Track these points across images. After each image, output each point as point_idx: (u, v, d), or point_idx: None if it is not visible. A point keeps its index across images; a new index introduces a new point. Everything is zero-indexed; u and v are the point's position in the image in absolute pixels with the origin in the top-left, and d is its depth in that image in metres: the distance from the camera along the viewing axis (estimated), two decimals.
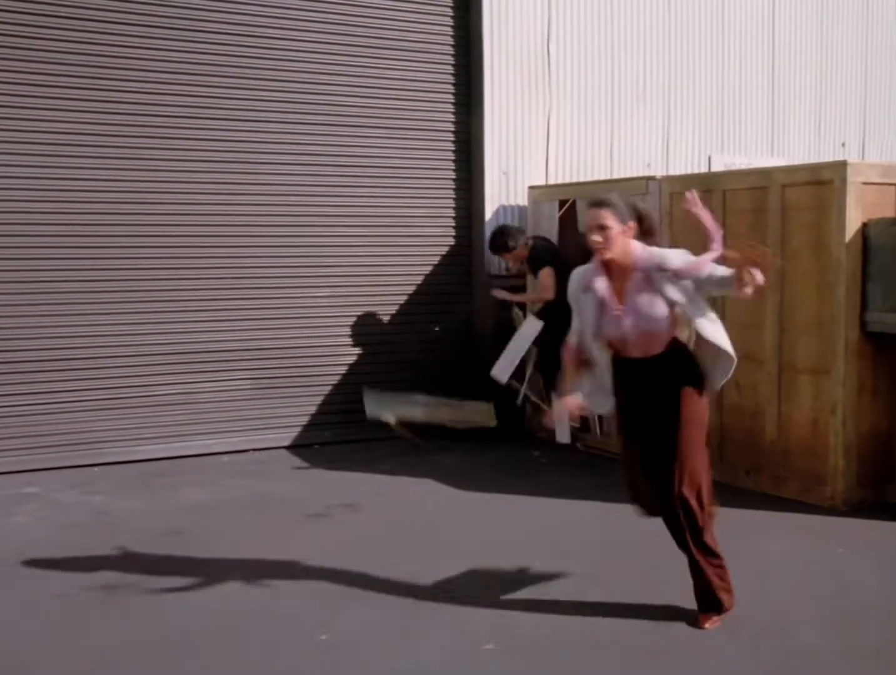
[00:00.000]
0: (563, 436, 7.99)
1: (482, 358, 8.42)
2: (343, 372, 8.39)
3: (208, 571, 5.06)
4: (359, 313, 8.42)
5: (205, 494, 6.72)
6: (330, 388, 8.34)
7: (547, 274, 7.74)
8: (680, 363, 4.32)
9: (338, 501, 6.47)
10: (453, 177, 8.78)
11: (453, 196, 8.80)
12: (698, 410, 4.31)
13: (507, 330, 8.25)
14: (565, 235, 8.30)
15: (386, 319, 8.55)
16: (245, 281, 7.96)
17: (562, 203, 8.32)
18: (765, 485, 6.59)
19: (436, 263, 8.73)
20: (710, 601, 4.33)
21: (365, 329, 8.45)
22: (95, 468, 7.38)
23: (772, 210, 6.47)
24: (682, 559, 5.21)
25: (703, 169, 9.70)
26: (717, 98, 9.83)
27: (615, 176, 9.05)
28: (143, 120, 7.54)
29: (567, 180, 8.92)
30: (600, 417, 7.90)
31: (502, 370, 7.97)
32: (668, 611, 4.47)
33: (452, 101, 8.72)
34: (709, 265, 4.11)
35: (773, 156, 10.05)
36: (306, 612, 4.50)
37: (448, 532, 5.83)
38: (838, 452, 6.18)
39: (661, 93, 9.53)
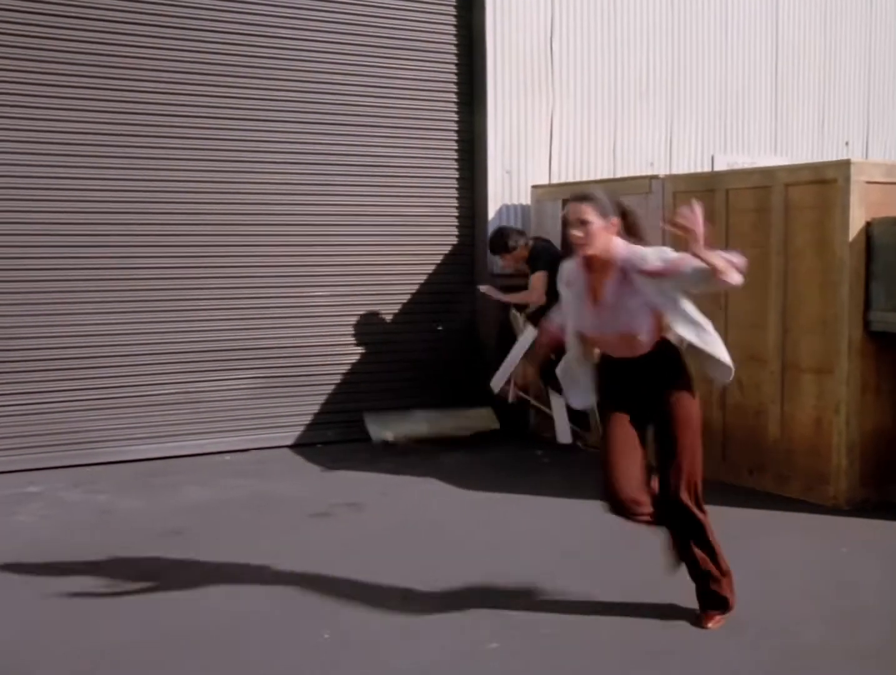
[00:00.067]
0: (563, 436, 7.98)
1: (484, 358, 8.42)
2: (345, 371, 8.39)
3: (210, 570, 5.06)
4: (361, 312, 8.42)
5: (207, 493, 6.72)
6: (332, 387, 8.34)
7: (539, 277, 7.73)
8: (667, 364, 4.22)
9: (341, 500, 6.47)
10: (456, 176, 8.77)
11: (456, 195, 8.79)
12: (690, 411, 4.25)
13: (509, 335, 8.25)
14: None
15: (388, 318, 8.54)
16: (247, 280, 7.96)
17: (565, 202, 8.28)
18: (768, 484, 6.58)
19: (438, 262, 8.72)
20: (713, 600, 4.32)
21: (367, 328, 8.45)
22: (98, 467, 7.38)
23: (775, 209, 6.46)
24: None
25: (707, 168, 9.69)
26: (721, 97, 9.82)
27: (618, 175, 9.04)
28: (146, 119, 7.54)
29: (570, 179, 8.91)
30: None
31: (497, 382, 8.00)
32: (669, 611, 4.46)
33: (455, 99, 8.71)
34: (688, 262, 4.00)
35: (777, 155, 10.04)
36: (308, 611, 4.50)
37: (451, 532, 5.82)
38: (841, 451, 6.17)
39: (665, 91, 9.51)
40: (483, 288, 8.19)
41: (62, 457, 7.35)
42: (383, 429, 7.59)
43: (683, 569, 4.41)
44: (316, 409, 8.29)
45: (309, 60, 8.07)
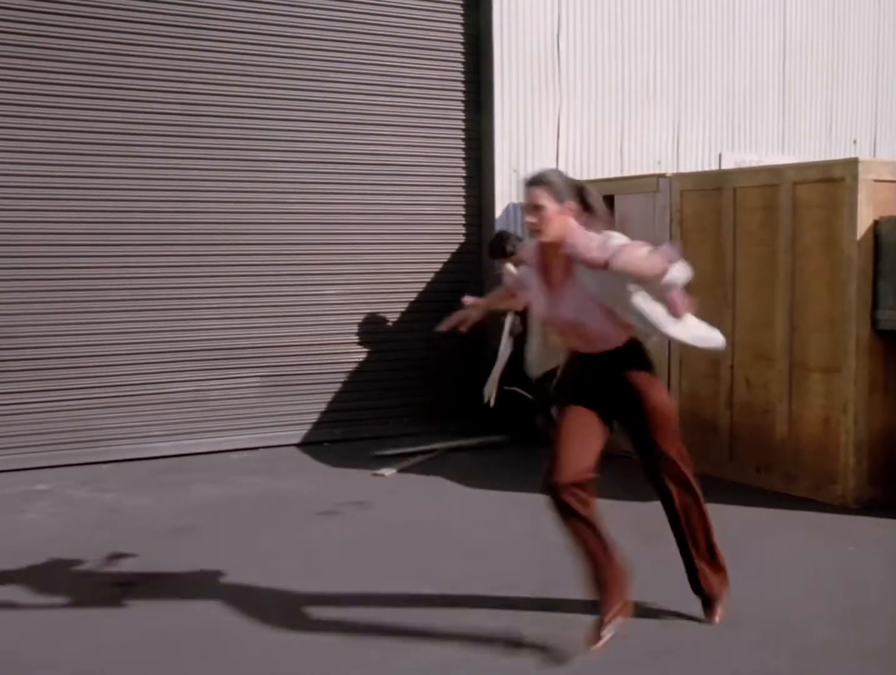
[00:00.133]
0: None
1: (488, 357, 8.42)
2: (352, 370, 8.40)
3: (218, 568, 5.06)
4: (369, 311, 8.43)
5: (215, 491, 6.74)
6: (340, 386, 8.35)
7: None
8: (629, 361, 4.04)
9: (347, 498, 6.48)
10: (463, 174, 8.78)
11: (463, 194, 8.80)
12: (662, 398, 4.09)
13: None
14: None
15: (395, 316, 8.55)
16: (256, 279, 7.97)
17: None
18: (775, 483, 6.58)
19: (445, 260, 8.73)
20: (712, 591, 4.28)
21: (374, 327, 8.46)
22: (106, 465, 7.41)
23: (783, 208, 6.45)
24: None
25: (714, 166, 9.67)
26: (728, 95, 9.80)
27: (626, 174, 9.04)
28: (157, 118, 7.56)
29: (577, 178, 8.88)
30: None
31: (488, 391, 7.99)
32: (675, 610, 4.45)
33: (462, 98, 8.71)
34: (625, 254, 3.72)
35: (784, 153, 10.02)
36: (313, 610, 4.51)
37: (457, 531, 5.82)
38: (849, 450, 6.16)
39: (672, 89, 9.50)
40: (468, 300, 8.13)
41: (71, 455, 7.37)
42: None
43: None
44: (324, 407, 8.30)
45: (316, 59, 8.08)
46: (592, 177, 8.90)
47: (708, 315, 7.01)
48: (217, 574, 4.97)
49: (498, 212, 8.65)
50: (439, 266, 8.70)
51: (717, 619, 4.25)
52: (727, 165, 9.64)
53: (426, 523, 5.96)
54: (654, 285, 3.83)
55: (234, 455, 7.81)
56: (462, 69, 8.70)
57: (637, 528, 5.31)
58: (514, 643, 4.10)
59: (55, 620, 4.43)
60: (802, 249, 6.37)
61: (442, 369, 8.65)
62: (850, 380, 6.13)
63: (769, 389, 6.62)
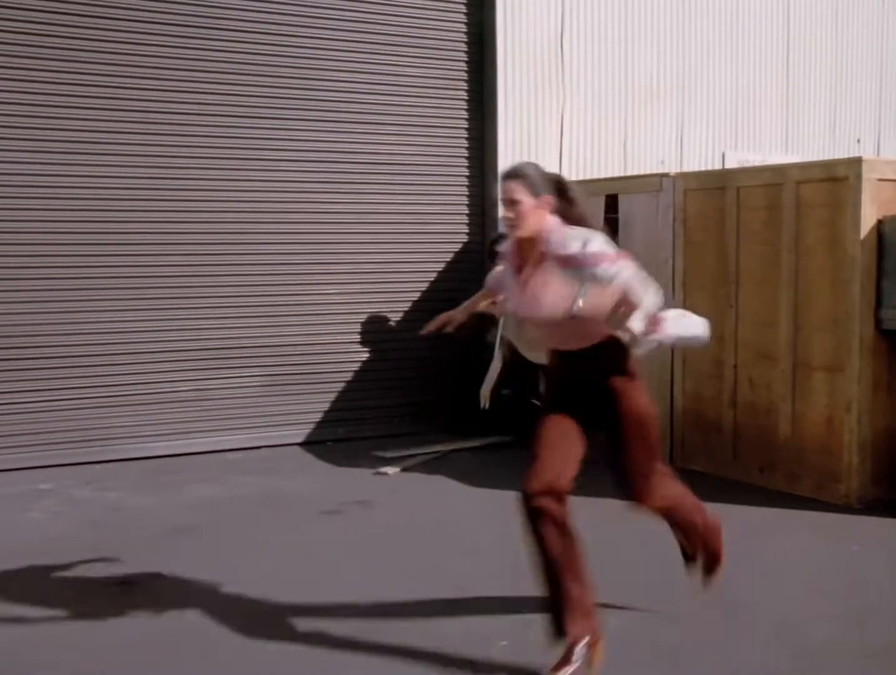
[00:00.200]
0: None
1: (490, 358, 8.42)
2: (355, 369, 8.39)
3: (220, 568, 5.06)
4: (371, 311, 8.42)
5: (217, 490, 6.74)
6: (342, 385, 8.34)
7: None
8: (608, 361, 3.83)
9: (350, 498, 6.47)
10: (466, 174, 8.77)
11: (466, 193, 8.79)
12: (639, 402, 3.87)
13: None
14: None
15: (398, 316, 8.54)
16: (257, 278, 7.97)
17: None
18: (779, 482, 6.57)
19: (448, 260, 8.72)
20: (709, 555, 4.33)
21: (376, 326, 8.45)
22: (109, 464, 7.41)
23: (786, 207, 6.44)
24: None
25: (717, 166, 9.66)
26: (732, 94, 9.79)
27: (629, 173, 9.03)
28: (163, 118, 7.56)
29: (581, 177, 8.89)
30: None
31: (484, 394, 7.99)
32: (679, 608, 4.45)
33: (465, 97, 8.71)
34: (609, 266, 3.58)
35: (788, 152, 10.01)
36: (318, 608, 4.50)
37: (460, 530, 5.82)
38: (853, 449, 6.15)
39: (676, 89, 9.49)
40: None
41: (74, 454, 7.38)
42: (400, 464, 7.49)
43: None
44: (326, 407, 8.30)
45: (318, 59, 8.08)
46: (596, 176, 8.91)
47: (711, 314, 7.03)
48: (219, 574, 4.97)
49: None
50: (442, 266, 8.70)
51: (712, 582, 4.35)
52: (731, 164, 9.63)
53: (429, 522, 5.95)
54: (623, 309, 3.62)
55: (236, 455, 7.80)
56: (465, 68, 8.69)
57: (647, 525, 5.30)
58: (518, 643, 4.09)
59: (57, 619, 4.42)
60: (806, 248, 6.36)
61: (445, 368, 8.64)
62: (853, 379, 6.12)
63: (772, 388, 6.61)
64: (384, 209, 8.43)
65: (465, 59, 8.68)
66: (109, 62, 7.37)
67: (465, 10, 8.63)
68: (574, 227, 3.74)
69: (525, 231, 3.75)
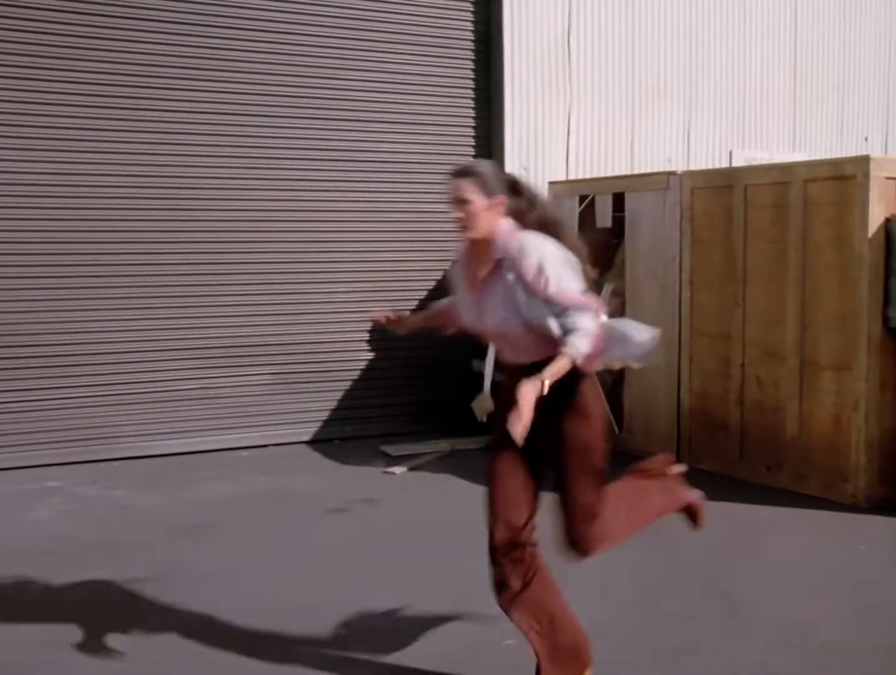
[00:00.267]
0: None
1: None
2: (363, 367, 8.40)
3: (229, 565, 5.08)
4: (378, 309, 8.40)
5: (225, 488, 6.75)
6: (349, 383, 8.35)
7: None
8: (564, 382, 3.36)
9: (357, 496, 6.48)
10: None
11: None
12: (586, 435, 3.56)
13: None
14: (586, 231, 8.27)
15: (405, 314, 8.52)
16: (266, 277, 7.98)
17: (582, 199, 8.29)
18: (786, 482, 6.56)
19: (455, 259, 8.70)
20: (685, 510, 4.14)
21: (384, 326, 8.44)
22: (116, 463, 7.43)
23: (793, 205, 6.43)
24: (700, 557, 5.20)
25: (725, 164, 9.65)
26: (739, 92, 9.78)
27: (636, 171, 9.02)
28: (171, 116, 7.58)
29: (588, 176, 8.89)
30: (618, 415, 7.88)
31: (483, 407, 7.99)
32: (685, 608, 4.45)
33: (472, 95, 8.71)
34: (564, 301, 3.33)
35: (795, 151, 9.99)
36: (325, 605, 4.51)
37: (468, 528, 5.79)
38: (860, 448, 6.14)
39: (683, 87, 9.48)
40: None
41: (81, 452, 7.40)
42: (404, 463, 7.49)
43: (702, 565, 4.38)
44: (333, 405, 8.31)
45: (326, 56, 8.09)
46: (603, 174, 8.90)
47: (719, 312, 7.06)
48: (227, 572, 4.98)
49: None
50: (448, 264, 8.68)
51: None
52: (738, 162, 9.62)
53: (436, 521, 5.95)
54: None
55: (244, 453, 7.82)
56: (472, 67, 8.69)
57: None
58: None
59: (62, 618, 4.43)
60: (813, 246, 6.35)
61: (452, 367, 8.64)
62: (861, 378, 6.11)
63: (780, 387, 6.60)
64: (391, 208, 8.43)
65: (473, 57, 8.68)
66: (116, 60, 7.39)
67: (472, 9, 8.63)
68: (531, 231, 3.48)
69: (476, 233, 3.48)
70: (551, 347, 3.39)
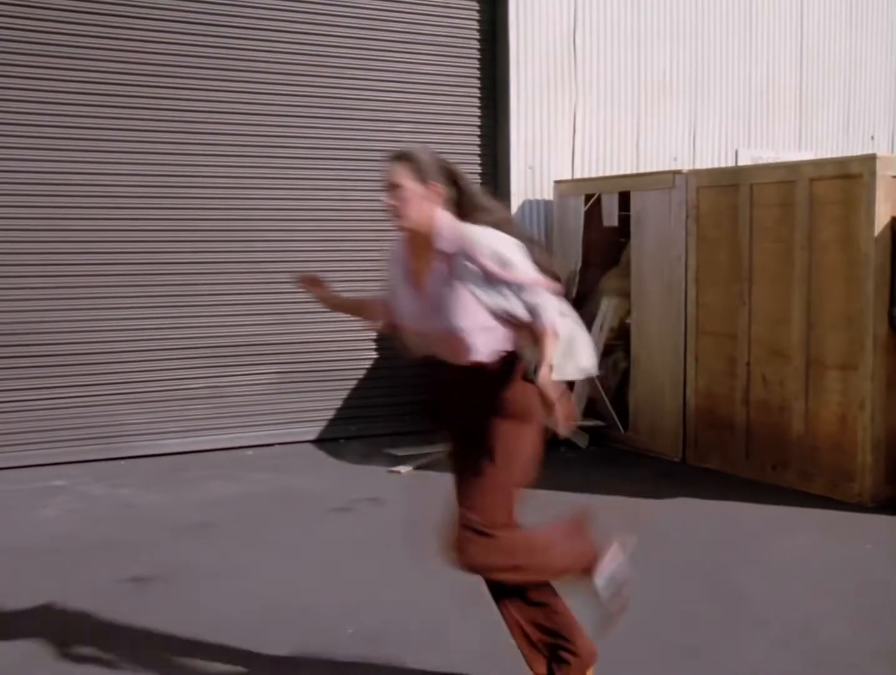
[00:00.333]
0: (579, 440, 7.91)
1: None
2: (368, 366, 8.40)
3: (233, 564, 5.08)
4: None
5: (231, 487, 6.76)
6: (355, 382, 8.35)
7: None
8: (498, 383, 3.31)
9: (362, 495, 6.48)
10: (478, 171, 8.75)
11: None
12: (516, 447, 3.36)
13: None
14: (591, 230, 8.27)
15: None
16: (271, 275, 7.98)
17: (588, 198, 8.28)
18: (791, 481, 6.55)
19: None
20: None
21: None
22: (122, 462, 7.44)
23: (799, 204, 6.42)
24: (704, 556, 5.20)
25: (730, 163, 9.63)
26: (745, 91, 9.76)
27: (642, 170, 9.01)
28: (178, 115, 7.57)
29: (593, 175, 8.88)
30: (623, 414, 7.88)
31: None
32: (689, 607, 4.44)
33: (478, 94, 8.70)
34: (525, 282, 3.21)
35: (801, 150, 9.97)
36: (331, 605, 4.51)
37: None
38: (866, 448, 6.13)
39: (688, 85, 9.47)
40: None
41: (87, 451, 7.41)
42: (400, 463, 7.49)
43: (713, 562, 4.38)
44: (339, 404, 8.31)
45: (331, 56, 8.09)
46: (608, 173, 8.89)
47: (724, 311, 7.05)
48: (232, 571, 4.99)
49: (513, 208, 8.63)
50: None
51: None
52: (744, 161, 9.60)
53: (441, 520, 5.94)
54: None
55: (249, 452, 7.82)
56: (477, 65, 8.68)
57: (654, 524, 5.30)
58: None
59: (68, 616, 4.44)
60: (819, 245, 6.34)
61: None
62: (867, 377, 6.10)
63: (785, 386, 6.59)
64: None
65: (478, 55, 8.67)
66: (119, 60, 7.39)
67: (477, 7, 8.62)
68: (471, 222, 3.32)
69: (410, 221, 3.34)
70: (498, 345, 3.30)
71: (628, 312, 7.90)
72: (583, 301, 8.33)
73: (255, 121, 7.86)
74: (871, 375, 6.08)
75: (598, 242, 8.36)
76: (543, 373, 3.10)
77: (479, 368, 3.33)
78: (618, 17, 9.04)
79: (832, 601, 4.57)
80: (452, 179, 3.37)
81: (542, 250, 3.40)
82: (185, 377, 7.75)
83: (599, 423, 8.00)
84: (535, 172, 8.74)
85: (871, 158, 6.06)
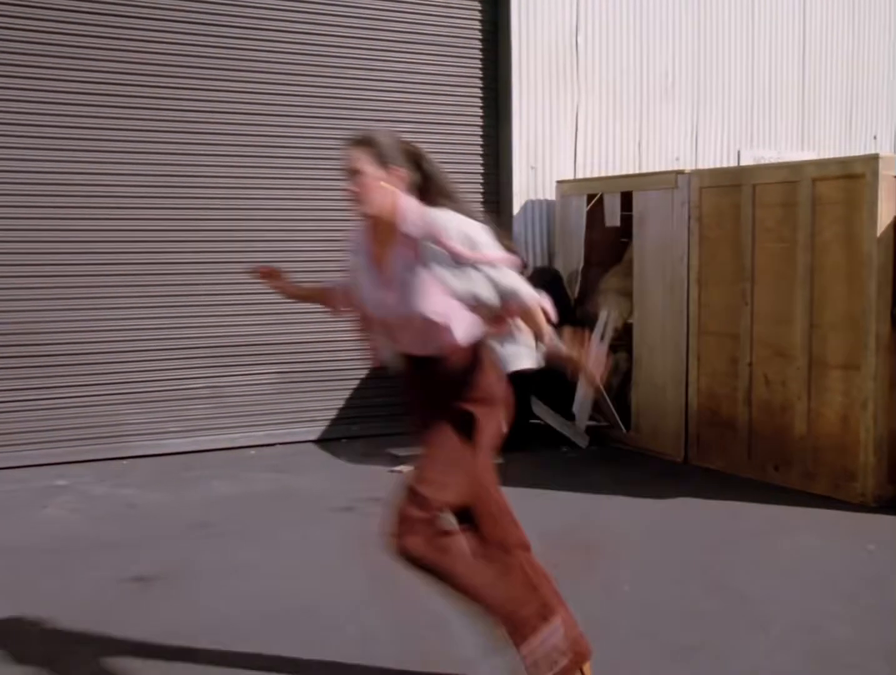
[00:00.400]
0: (580, 440, 7.92)
1: None
2: (370, 366, 8.38)
3: (235, 564, 5.08)
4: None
5: (232, 487, 6.76)
6: (357, 382, 8.35)
7: None
8: (466, 372, 3.26)
9: (363, 495, 6.47)
10: (481, 172, 8.76)
11: (481, 191, 8.78)
12: (474, 431, 3.31)
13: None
14: (593, 230, 8.27)
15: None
16: None
17: (590, 198, 8.28)
18: (794, 481, 6.54)
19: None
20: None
21: None
22: (124, 461, 7.44)
23: (802, 204, 6.41)
24: (707, 555, 5.19)
25: (733, 163, 9.63)
26: (747, 91, 9.75)
27: (644, 170, 9.01)
28: (178, 115, 7.57)
29: (595, 175, 8.88)
30: (625, 413, 7.87)
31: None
32: (692, 606, 4.44)
33: (480, 94, 8.70)
34: (500, 263, 3.18)
35: (804, 149, 9.97)
36: (332, 605, 4.51)
37: None
38: (869, 447, 6.12)
39: (691, 86, 9.46)
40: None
41: (89, 451, 7.41)
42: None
43: (718, 560, 4.37)
44: (341, 404, 8.31)
45: (332, 56, 8.08)
46: (611, 173, 8.89)
47: (727, 311, 7.04)
48: (234, 571, 4.99)
49: (516, 209, 8.64)
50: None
51: None
52: (746, 161, 9.60)
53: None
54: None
55: (251, 451, 7.82)
56: (479, 65, 8.68)
57: (653, 526, 5.29)
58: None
59: (72, 616, 4.43)
60: (822, 245, 6.33)
61: None
62: (869, 377, 6.09)
63: (788, 386, 6.59)
64: None
65: (480, 56, 8.67)
66: (120, 60, 7.38)
67: (479, 7, 8.62)
68: (436, 207, 3.26)
69: (371, 208, 3.26)
70: (462, 331, 3.23)
71: (630, 312, 7.89)
72: (584, 301, 8.34)
73: (256, 121, 7.86)
74: (874, 375, 6.08)
75: (600, 242, 8.37)
76: (549, 344, 3.09)
77: (442, 357, 3.27)
78: (620, 17, 9.03)
79: (834, 602, 4.56)
80: (417, 162, 3.31)
81: (503, 236, 3.35)
82: (187, 377, 7.75)
83: (602, 422, 8.00)
84: (537, 172, 8.74)
85: (874, 158, 6.05)
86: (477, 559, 3.38)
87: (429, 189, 3.31)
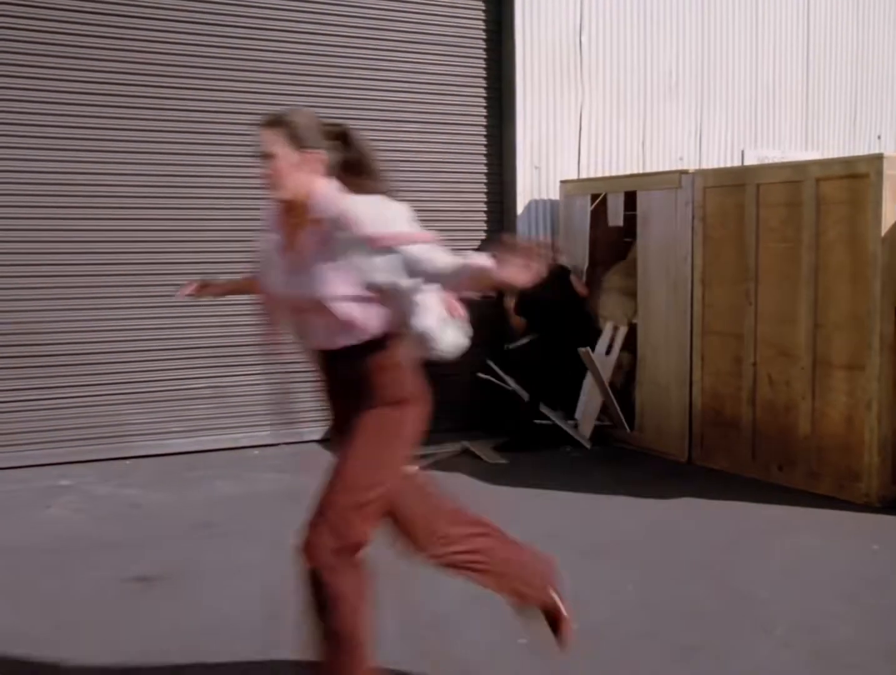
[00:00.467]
0: (583, 440, 7.92)
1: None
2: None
3: (239, 564, 5.08)
4: None
5: (236, 487, 6.76)
6: None
7: None
8: (377, 368, 3.19)
9: None
10: (484, 171, 8.75)
11: (484, 190, 8.77)
12: (386, 432, 3.30)
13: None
14: (597, 229, 8.26)
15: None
16: None
17: (594, 197, 8.28)
18: (798, 481, 6.53)
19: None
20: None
21: None
22: (127, 461, 7.44)
23: (806, 204, 6.40)
24: (711, 556, 5.18)
25: (737, 163, 9.62)
26: (751, 90, 9.74)
27: (647, 170, 9.00)
28: (180, 115, 7.57)
29: (599, 174, 8.87)
30: (629, 413, 7.87)
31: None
32: (695, 606, 4.43)
33: (483, 94, 8.69)
34: (418, 243, 3.03)
35: (808, 149, 9.95)
36: None
37: None
38: (873, 448, 6.11)
39: (695, 85, 9.45)
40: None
41: (92, 451, 7.41)
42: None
43: (717, 560, 4.37)
44: None
45: (337, 56, 8.08)
46: (614, 173, 8.88)
47: (731, 311, 7.03)
48: (238, 571, 4.98)
49: (520, 209, 8.63)
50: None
51: None
52: (750, 161, 9.58)
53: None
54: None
55: (255, 451, 7.82)
56: (484, 65, 8.67)
57: (656, 525, 5.28)
58: (536, 640, 4.09)
59: (74, 616, 4.44)
60: (826, 245, 6.32)
61: (464, 366, 8.61)
62: (873, 377, 6.08)
63: (792, 386, 6.58)
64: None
65: (484, 55, 8.66)
66: (123, 60, 7.38)
67: (483, 7, 8.61)
68: (361, 193, 3.12)
69: (285, 192, 3.10)
70: (373, 322, 3.13)
71: (635, 312, 7.88)
72: (588, 300, 8.33)
73: (255, 120, 7.84)
74: (878, 375, 6.06)
75: (604, 241, 8.36)
76: (507, 273, 2.83)
77: (351, 350, 3.17)
78: (624, 17, 9.03)
79: (838, 602, 4.55)
80: (344, 141, 3.19)
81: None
82: (190, 377, 7.75)
83: (606, 422, 8.00)
84: (541, 172, 8.73)
85: (878, 158, 6.04)
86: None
87: (355, 169, 3.19)
